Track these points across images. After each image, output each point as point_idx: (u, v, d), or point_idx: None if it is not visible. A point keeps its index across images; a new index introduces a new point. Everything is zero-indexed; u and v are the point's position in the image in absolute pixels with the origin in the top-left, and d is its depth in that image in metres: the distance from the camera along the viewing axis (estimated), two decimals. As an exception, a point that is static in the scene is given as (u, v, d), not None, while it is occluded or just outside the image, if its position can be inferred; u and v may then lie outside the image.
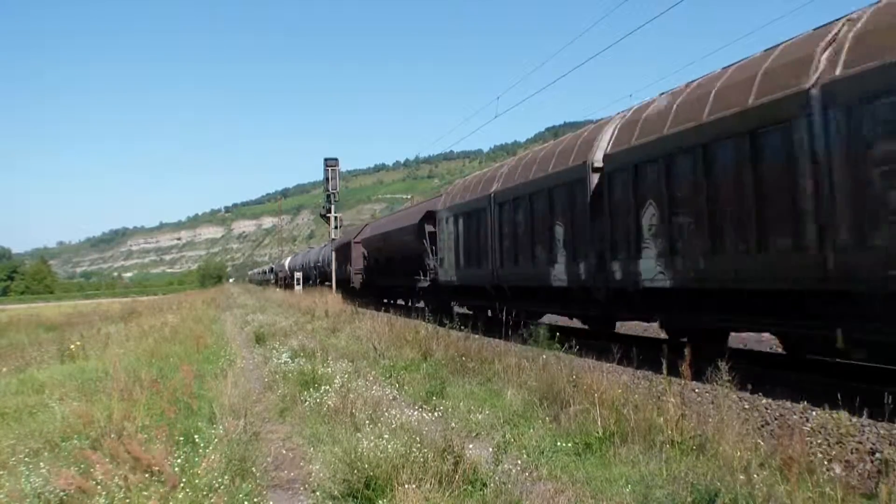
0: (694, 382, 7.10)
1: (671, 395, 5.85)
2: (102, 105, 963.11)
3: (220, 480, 4.23)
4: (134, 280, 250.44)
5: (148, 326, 17.92)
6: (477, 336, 12.12)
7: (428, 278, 21.75)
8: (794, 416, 6.63)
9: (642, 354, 9.18)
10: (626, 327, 16.44)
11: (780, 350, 11.44)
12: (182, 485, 3.94)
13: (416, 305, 24.54)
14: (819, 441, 5.57)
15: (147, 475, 3.93)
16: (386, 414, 6.22)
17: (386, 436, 4.92)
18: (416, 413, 6.32)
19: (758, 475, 3.97)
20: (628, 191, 10.62)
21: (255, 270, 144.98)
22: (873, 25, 6.81)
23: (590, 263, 11.82)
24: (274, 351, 11.81)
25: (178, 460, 4.43)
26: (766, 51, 8.78)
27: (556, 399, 6.84)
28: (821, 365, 9.39)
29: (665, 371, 6.54)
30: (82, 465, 4.19)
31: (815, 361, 9.58)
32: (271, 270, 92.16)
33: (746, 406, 6.92)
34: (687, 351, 6.44)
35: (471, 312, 19.03)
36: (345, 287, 35.21)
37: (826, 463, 4.46)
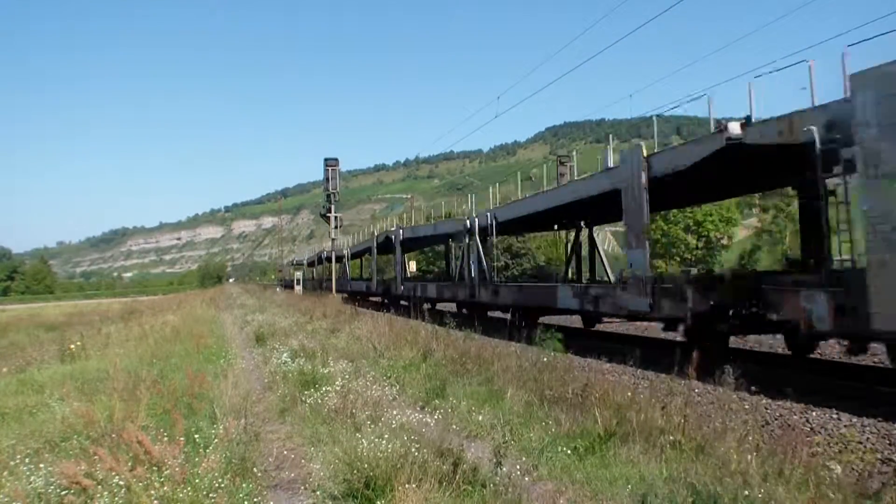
0: (695, 382, 7.10)
1: (674, 395, 5.84)
2: (102, 105, 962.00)
3: (220, 480, 4.22)
4: (134, 280, 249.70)
5: (148, 326, 17.91)
6: (477, 336, 12.12)
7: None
8: (795, 417, 6.64)
9: (644, 354, 9.19)
10: (623, 327, 16.43)
11: (780, 350, 11.45)
12: (183, 484, 3.94)
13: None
14: (819, 440, 5.57)
15: (149, 474, 3.93)
16: (386, 414, 6.22)
17: (386, 436, 4.91)
18: (416, 413, 6.31)
19: (757, 476, 3.96)
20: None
21: (293, 259, 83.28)
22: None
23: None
24: (274, 351, 11.80)
25: (179, 460, 4.42)
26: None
27: (557, 399, 6.83)
28: (820, 364, 9.38)
29: (671, 372, 6.53)
30: (84, 464, 4.18)
31: (815, 360, 9.57)
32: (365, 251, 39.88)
33: (747, 406, 6.92)
34: (695, 354, 6.42)
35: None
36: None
37: (826, 463, 4.46)
